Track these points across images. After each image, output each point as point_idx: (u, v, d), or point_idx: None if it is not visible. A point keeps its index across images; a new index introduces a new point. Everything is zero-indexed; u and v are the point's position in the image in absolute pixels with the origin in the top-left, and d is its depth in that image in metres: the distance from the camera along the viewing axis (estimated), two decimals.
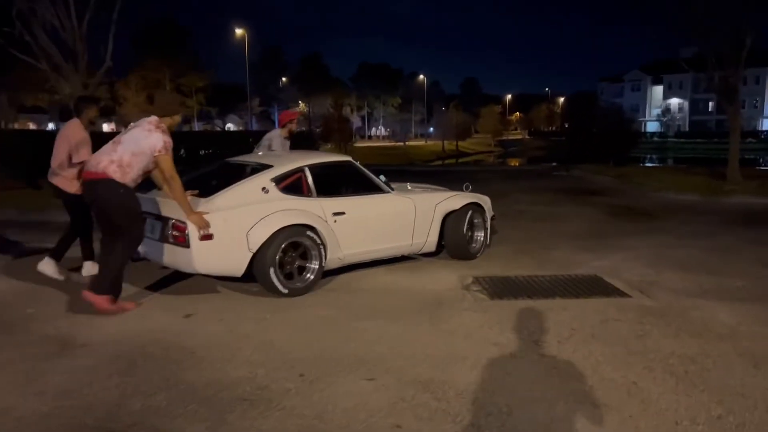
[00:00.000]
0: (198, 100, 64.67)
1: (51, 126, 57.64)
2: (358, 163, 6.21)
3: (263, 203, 5.18)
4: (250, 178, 5.45)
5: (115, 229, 4.65)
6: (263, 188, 5.29)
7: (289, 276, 5.22)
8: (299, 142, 14.22)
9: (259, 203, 5.16)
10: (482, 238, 6.82)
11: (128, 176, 4.56)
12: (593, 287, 5.62)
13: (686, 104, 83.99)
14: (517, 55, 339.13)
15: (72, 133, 5.53)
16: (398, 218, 6.16)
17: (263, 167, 5.60)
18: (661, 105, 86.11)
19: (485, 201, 7.00)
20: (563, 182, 16.31)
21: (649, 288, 5.62)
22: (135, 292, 5.20)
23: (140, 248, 4.98)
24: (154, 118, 4.75)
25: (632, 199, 12.54)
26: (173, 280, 5.56)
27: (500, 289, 5.56)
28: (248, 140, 20.43)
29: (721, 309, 4.92)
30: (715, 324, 4.55)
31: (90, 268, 5.68)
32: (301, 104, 76.45)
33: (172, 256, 4.96)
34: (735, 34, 13.37)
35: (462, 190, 7.09)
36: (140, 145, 4.59)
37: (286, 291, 5.11)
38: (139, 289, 5.30)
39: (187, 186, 4.95)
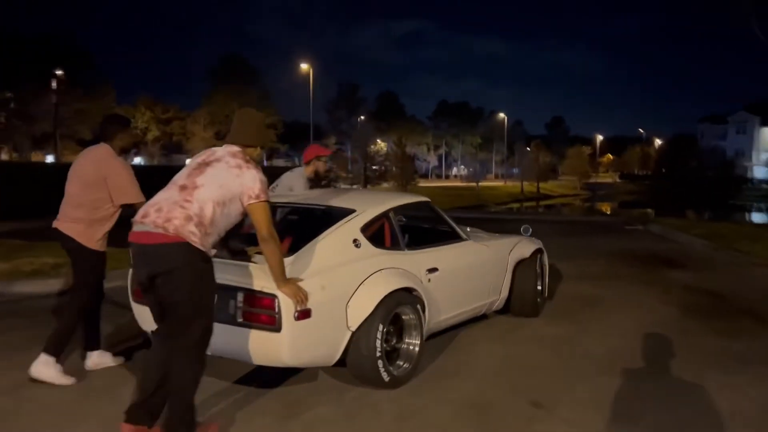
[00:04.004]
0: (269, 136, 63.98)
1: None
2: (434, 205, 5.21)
3: (358, 261, 3.95)
4: (334, 227, 4.03)
5: (168, 322, 3.05)
6: (354, 240, 4.05)
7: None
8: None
9: (353, 262, 3.92)
10: (544, 291, 6.12)
11: (209, 240, 3.03)
12: None
13: None
14: (608, 95, 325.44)
15: (104, 163, 4.01)
16: (483, 271, 5.26)
17: (343, 212, 4.23)
18: None
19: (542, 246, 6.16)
20: (634, 242, 12.21)
21: None
22: None
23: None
24: (237, 149, 3.20)
25: (728, 278, 8.22)
26: None
27: None
28: None
29: None
30: None
31: (97, 360, 4.28)
32: (380, 143, 74.41)
33: (250, 345, 3.46)
34: None
35: (520, 233, 6.18)
36: (230, 188, 3.06)
37: (388, 379, 3.85)
38: None
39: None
